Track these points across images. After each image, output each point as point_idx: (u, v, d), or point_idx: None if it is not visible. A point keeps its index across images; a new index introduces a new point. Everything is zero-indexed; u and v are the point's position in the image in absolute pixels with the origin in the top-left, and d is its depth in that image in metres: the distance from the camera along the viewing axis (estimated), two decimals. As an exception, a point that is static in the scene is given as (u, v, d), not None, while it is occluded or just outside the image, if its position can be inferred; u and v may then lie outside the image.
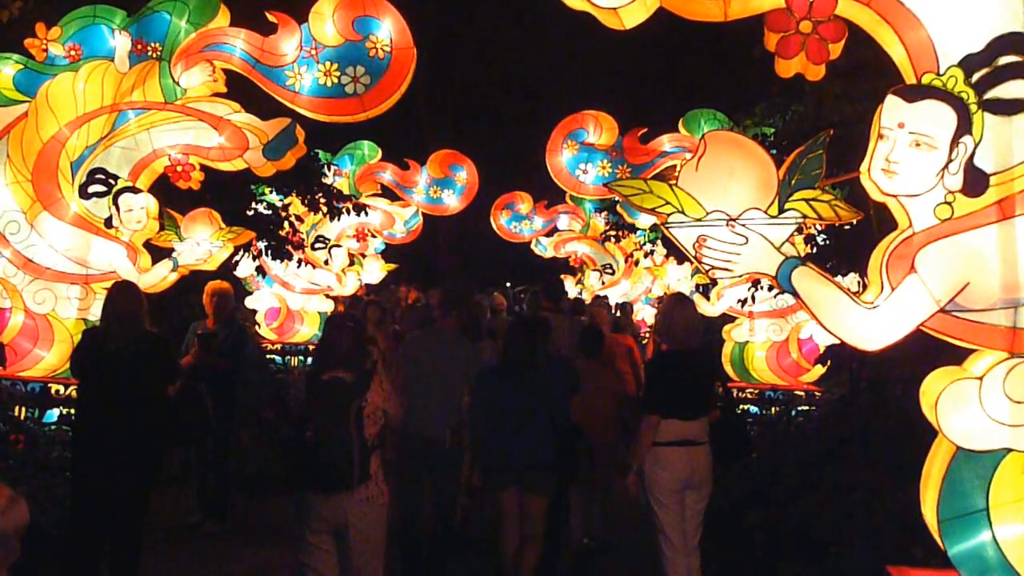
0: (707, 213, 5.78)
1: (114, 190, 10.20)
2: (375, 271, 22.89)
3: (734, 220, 5.73)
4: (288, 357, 19.09)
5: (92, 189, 10.25)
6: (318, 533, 7.13)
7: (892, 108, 5.48)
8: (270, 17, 10.08)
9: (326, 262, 19.22)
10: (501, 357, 9.27)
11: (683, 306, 9.00)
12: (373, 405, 7.26)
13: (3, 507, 4.20)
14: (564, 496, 9.79)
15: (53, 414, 9.98)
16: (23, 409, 9.89)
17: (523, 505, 8.82)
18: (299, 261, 17.20)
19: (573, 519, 10.83)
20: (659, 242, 21.29)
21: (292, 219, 16.07)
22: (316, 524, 7.11)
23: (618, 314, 20.66)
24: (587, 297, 23.07)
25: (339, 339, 7.40)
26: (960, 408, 5.50)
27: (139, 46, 10.19)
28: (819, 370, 14.06)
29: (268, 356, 18.47)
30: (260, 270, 16.83)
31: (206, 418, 10.05)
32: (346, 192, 18.04)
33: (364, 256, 22.02)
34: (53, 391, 10.05)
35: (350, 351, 7.38)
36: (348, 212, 16.67)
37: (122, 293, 8.20)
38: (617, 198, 17.63)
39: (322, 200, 15.96)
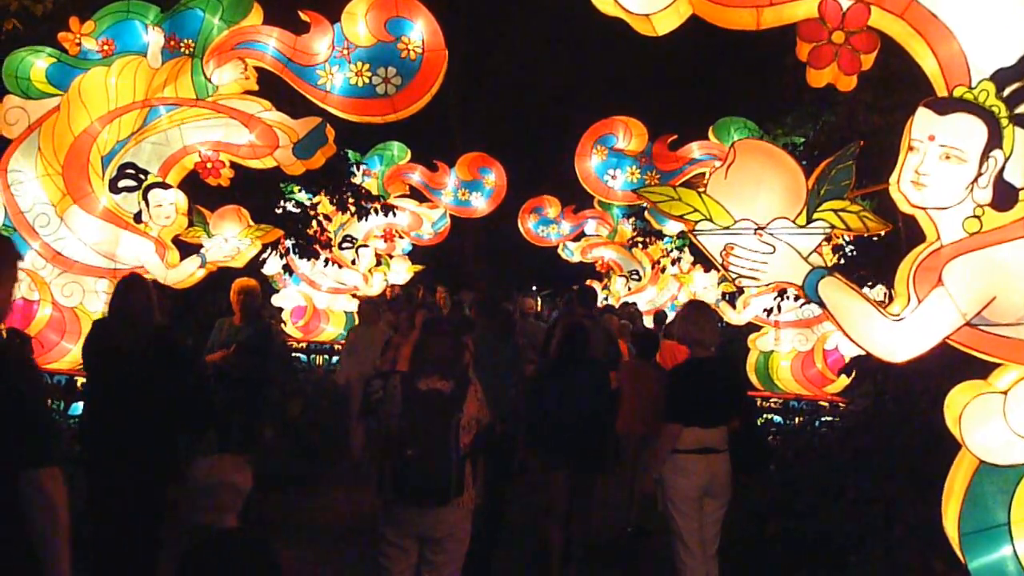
0: (735, 221, 5.79)
1: (144, 185, 10.22)
2: (402, 272, 22.93)
3: (762, 229, 5.74)
4: (313, 356, 19.14)
5: (122, 184, 10.29)
6: (403, 537, 7.10)
7: (923, 120, 5.47)
8: (303, 16, 10.11)
9: (353, 262, 19.25)
10: (556, 356, 10.07)
11: (706, 312, 9.05)
12: (468, 416, 7.13)
13: (240, 471, 5.57)
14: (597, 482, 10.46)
15: (78, 407, 9.98)
16: (49, 401, 9.91)
17: (572, 483, 9.80)
18: (326, 260, 17.21)
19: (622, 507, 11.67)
20: (686, 249, 21.21)
21: (320, 218, 16.09)
22: (403, 530, 7.08)
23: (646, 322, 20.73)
24: (614, 303, 23.09)
25: (437, 344, 7.28)
26: (984, 422, 5.49)
27: (172, 42, 10.23)
28: (844, 381, 13.97)
29: (293, 355, 18.51)
30: (287, 268, 16.86)
31: (210, 407, 10.05)
32: (375, 192, 18.07)
33: (391, 257, 22.03)
34: (79, 384, 10.07)
35: (448, 358, 7.29)
36: (376, 212, 16.72)
37: (130, 289, 8.09)
38: (645, 204, 17.67)
39: (350, 200, 16.02)
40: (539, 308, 24.52)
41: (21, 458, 4.28)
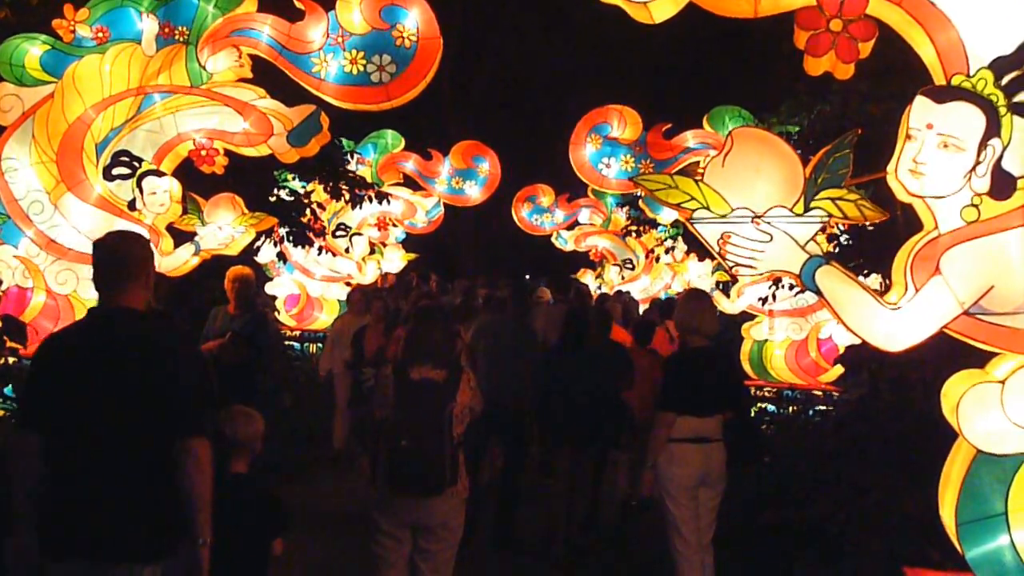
0: (732, 210, 5.78)
1: (138, 173, 10.20)
2: (395, 260, 22.95)
3: (759, 217, 5.72)
4: (307, 344, 19.14)
5: (116, 171, 10.26)
6: (397, 526, 7.11)
7: (921, 109, 5.45)
8: (297, 4, 10.07)
9: (347, 250, 19.25)
10: (559, 340, 11.17)
11: (704, 301, 9.05)
12: (462, 405, 7.12)
13: (251, 421, 6.43)
14: (606, 459, 11.49)
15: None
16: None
17: (575, 461, 10.70)
18: (320, 248, 17.22)
19: (622, 480, 12.18)
20: (680, 238, 21.25)
21: (314, 206, 16.11)
22: (397, 519, 7.09)
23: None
24: (608, 292, 23.12)
25: (429, 333, 7.27)
26: (982, 411, 5.49)
27: (166, 29, 10.19)
28: (838, 370, 14.01)
29: (287, 343, 18.51)
30: (281, 256, 16.86)
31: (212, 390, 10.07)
32: (368, 180, 18.02)
33: (385, 245, 22.06)
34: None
35: (440, 345, 7.28)
36: (370, 200, 16.72)
37: None
38: (639, 193, 17.70)
39: (344, 188, 15.99)
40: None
41: (176, 428, 5.03)
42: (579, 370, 10.54)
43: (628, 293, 22.08)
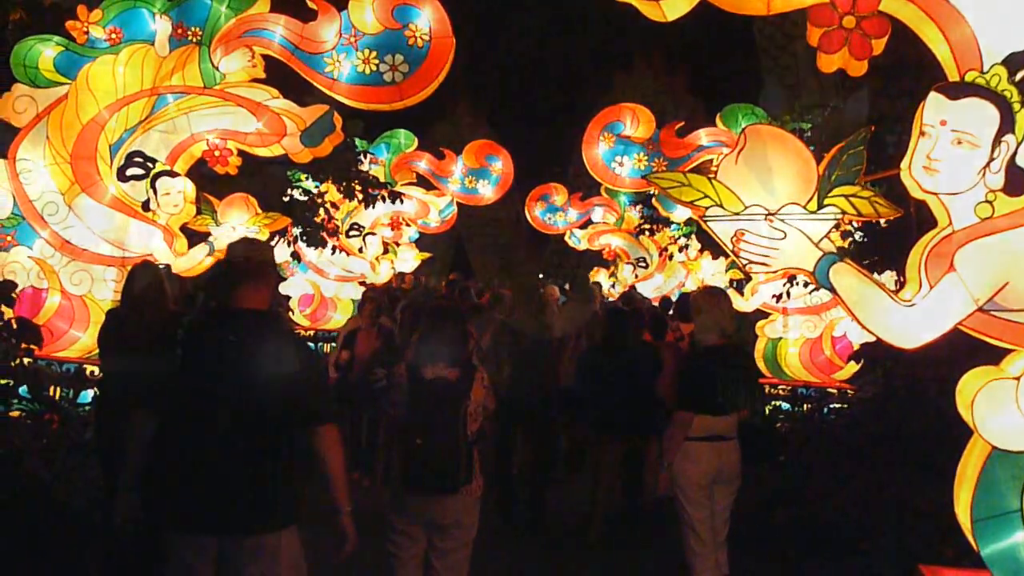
0: (746, 207, 5.75)
1: (152, 173, 10.24)
2: (409, 260, 22.93)
3: (773, 215, 5.71)
4: (321, 343, 19.11)
5: (130, 172, 10.30)
6: (411, 525, 7.10)
7: (934, 105, 5.42)
8: (310, 4, 10.10)
9: (360, 250, 19.22)
10: (602, 337, 11.65)
11: (721, 299, 9.01)
12: (476, 403, 7.10)
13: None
14: (640, 450, 11.64)
15: (87, 395, 9.98)
16: (58, 389, 9.92)
17: (607, 453, 11.17)
18: (333, 248, 17.22)
19: (649, 472, 12.09)
20: (693, 236, 21.20)
21: (327, 206, 16.10)
22: (411, 518, 7.08)
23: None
24: (619, 290, 23.11)
25: (442, 331, 7.27)
26: (996, 408, 5.45)
27: (179, 30, 10.24)
28: (852, 368, 13.96)
29: (301, 343, 18.47)
30: (295, 256, 16.88)
31: None
32: (382, 180, 18.02)
33: (398, 244, 22.04)
34: (88, 372, 10.08)
35: (453, 345, 7.27)
36: (383, 200, 16.70)
37: (139, 276, 8.07)
38: (652, 191, 17.68)
39: (357, 188, 15.99)
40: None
41: (310, 416, 5.65)
42: (624, 367, 10.91)
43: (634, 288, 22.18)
